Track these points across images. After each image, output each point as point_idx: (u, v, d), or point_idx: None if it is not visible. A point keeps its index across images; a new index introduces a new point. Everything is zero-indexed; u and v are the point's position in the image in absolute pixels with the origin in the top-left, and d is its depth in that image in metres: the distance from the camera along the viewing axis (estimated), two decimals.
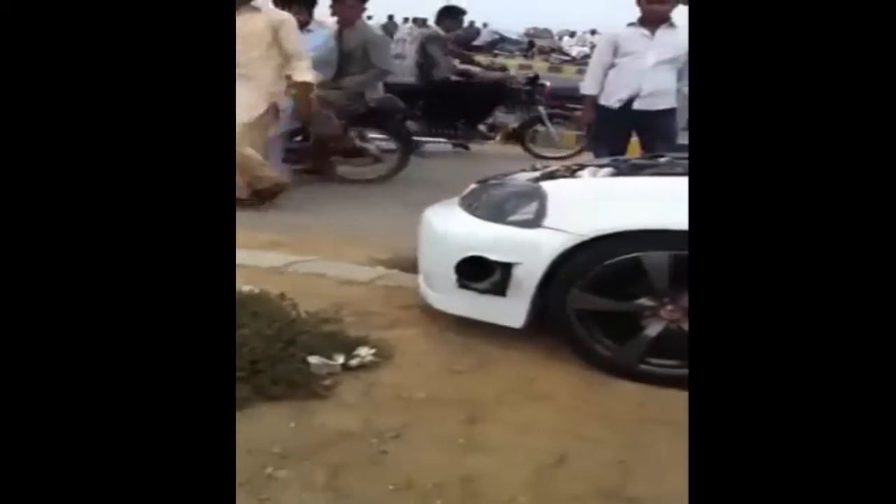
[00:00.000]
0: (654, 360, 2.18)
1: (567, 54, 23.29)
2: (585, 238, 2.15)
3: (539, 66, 19.16)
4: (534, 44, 25.06)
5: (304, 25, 4.77)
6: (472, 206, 2.47)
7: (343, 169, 5.13)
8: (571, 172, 2.60)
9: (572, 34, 28.33)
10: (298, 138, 4.92)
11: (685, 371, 2.14)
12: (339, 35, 4.96)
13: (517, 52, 23.02)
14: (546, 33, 28.91)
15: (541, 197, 2.29)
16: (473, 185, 2.70)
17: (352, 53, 4.89)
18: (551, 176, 2.54)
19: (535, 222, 2.25)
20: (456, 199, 2.63)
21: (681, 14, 3.98)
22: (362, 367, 2.19)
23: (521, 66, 15.44)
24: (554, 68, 19.14)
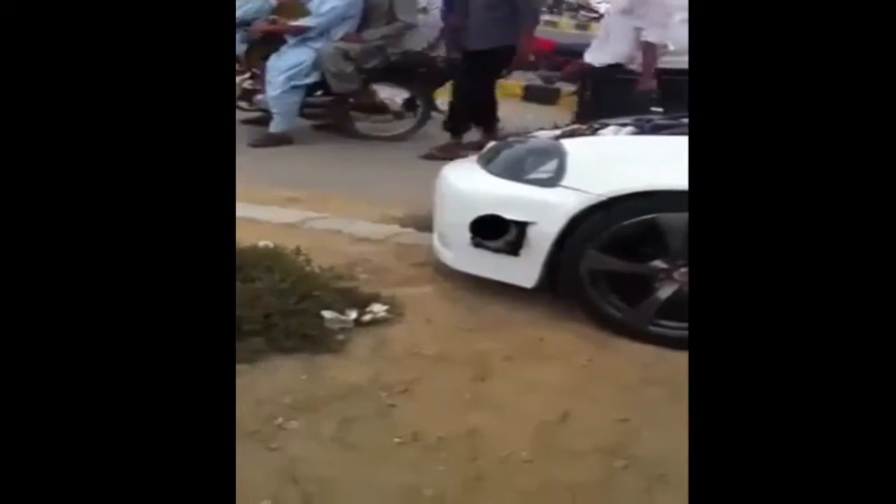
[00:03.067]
0: (664, 322, 2.18)
1: (595, 11, 22.66)
2: (603, 198, 2.14)
3: (565, 22, 18.73)
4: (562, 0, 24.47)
5: None
6: (491, 163, 2.46)
7: (362, 125, 5.11)
8: (593, 131, 2.57)
9: None
10: (319, 92, 4.89)
11: None
12: None
13: (543, 8, 22.47)
14: None
15: (560, 155, 2.27)
16: (493, 142, 2.68)
17: (376, 7, 4.83)
18: (572, 134, 2.52)
19: (554, 181, 2.24)
20: (475, 157, 2.62)
21: None
22: (374, 322, 2.22)
23: (547, 23, 15.09)
24: (581, 25, 18.66)
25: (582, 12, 22.70)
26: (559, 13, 21.94)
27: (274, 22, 4.78)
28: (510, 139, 2.63)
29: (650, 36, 3.84)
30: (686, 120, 2.63)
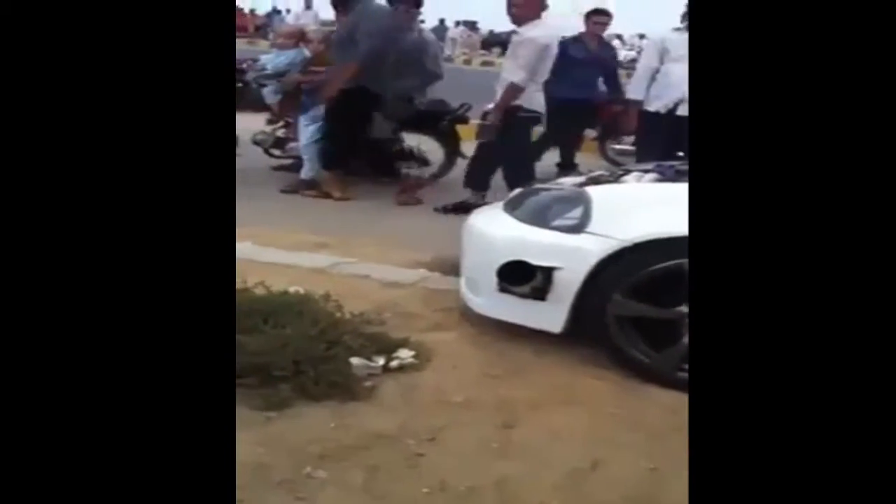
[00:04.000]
0: None
1: None
2: (629, 244, 2.16)
3: None
4: None
5: None
6: (517, 210, 2.50)
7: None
8: (616, 178, 2.60)
9: (620, 38, 27.88)
10: None
11: None
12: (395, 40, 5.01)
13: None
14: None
15: (585, 202, 2.30)
16: (518, 190, 2.71)
17: (406, 57, 4.95)
18: (596, 181, 2.55)
19: (580, 227, 2.26)
20: (501, 204, 2.66)
21: None
22: (402, 368, 2.23)
23: None
24: None
25: None
26: None
27: (310, 73, 4.91)
28: (535, 186, 2.66)
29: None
30: None
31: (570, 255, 2.24)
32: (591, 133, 6.72)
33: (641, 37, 25.22)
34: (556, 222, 2.32)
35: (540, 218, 2.37)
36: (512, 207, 2.54)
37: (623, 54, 22.92)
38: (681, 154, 3.96)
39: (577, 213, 2.28)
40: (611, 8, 5.63)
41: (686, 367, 2.16)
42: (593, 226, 2.23)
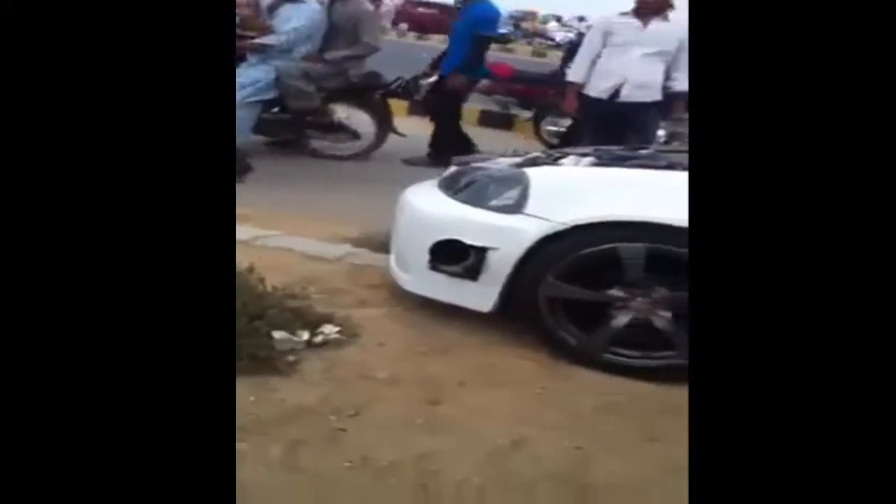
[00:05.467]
0: (619, 350, 2.19)
1: (552, 39, 23.23)
2: (565, 226, 2.15)
3: (522, 49, 19.17)
4: (518, 27, 24.98)
5: None
6: (453, 188, 2.46)
7: (318, 144, 5.07)
8: (553, 160, 2.59)
9: (558, 19, 28.29)
10: (275, 109, 4.84)
11: (649, 362, 2.17)
12: (330, 8, 4.89)
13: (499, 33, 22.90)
14: (530, 16, 28.81)
15: (524, 183, 2.27)
16: (453, 168, 2.67)
17: (341, 27, 4.83)
18: (533, 162, 2.53)
19: (516, 208, 2.24)
20: (435, 181, 2.61)
21: (681, 7, 3.96)
22: (326, 344, 2.18)
23: (503, 49, 15.38)
24: (537, 53, 19.11)
25: (538, 39, 23.24)
26: (515, 40, 22.47)
27: (239, 38, 4.71)
28: (472, 164, 2.63)
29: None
30: (643, 152, 2.69)
31: (506, 235, 2.22)
32: (526, 114, 6.77)
33: (581, 19, 25.62)
34: (493, 202, 2.29)
35: (476, 197, 2.34)
36: (447, 186, 2.49)
37: (561, 36, 23.38)
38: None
39: (514, 193, 2.26)
40: None
41: (613, 349, 2.18)
42: (530, 207, 2.22)
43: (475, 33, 5.05)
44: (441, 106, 5.33)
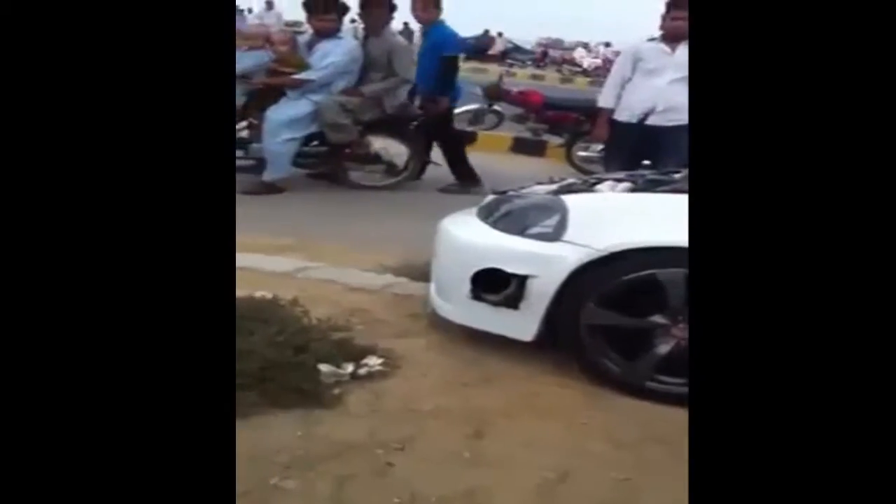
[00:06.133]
0: (662, 378, 2.16)
1: (579, 65, 23.45)
2: (604, 253, 2.15)
3: (551, 76, 19.38)
4: (546, 54, 25.20)
5: (334, 32, 4.83)
6: (491, 217, 2.47)
7: (356, 175, 5.15)
8: (589, 186, 2.59)
9: (585, 46, 28.41)
10: (315, 143, 4.94)
11: None
12: (365, 42, 4.99)
13: (529, 62, 23.25)
14: (558, 44, 29.06)
15: (562, 210, 2.28)
16: (491, 196, 2.69)
17: (376, 61, 4.92)
18: (570, 189, 2.54)
19: (555, 235, 2.24)
20: (473, 210, 2.63)
21: None
22: (370, 376, 2.19)
23: (533, 76, 15.51)
24: (566, 79, 19.32)
25: (566, 66, 23.41)
26: (544, 67, 22.62)
27: (275, 74, 4.84)
28: (509, 193, 2.65)
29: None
30: (676, 175, 2.68)
31: (546, 263, 2.22)
32: (557, 140, 6.78)
33: (607, 45, 25.72)
34: (532, 230, 2.30)
35: (515, 225, 2.35)
36: (486, 214, 2.51)
37: (588, 62, 23.41)
38: (646, 162, 4.03)
39: (553, 221, 2.27)
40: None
41: (656, 377, 2.16)
42: (569, 234, 2.22)
43: (442, 55, 5.06)
44: (437, 132, 5.31)
